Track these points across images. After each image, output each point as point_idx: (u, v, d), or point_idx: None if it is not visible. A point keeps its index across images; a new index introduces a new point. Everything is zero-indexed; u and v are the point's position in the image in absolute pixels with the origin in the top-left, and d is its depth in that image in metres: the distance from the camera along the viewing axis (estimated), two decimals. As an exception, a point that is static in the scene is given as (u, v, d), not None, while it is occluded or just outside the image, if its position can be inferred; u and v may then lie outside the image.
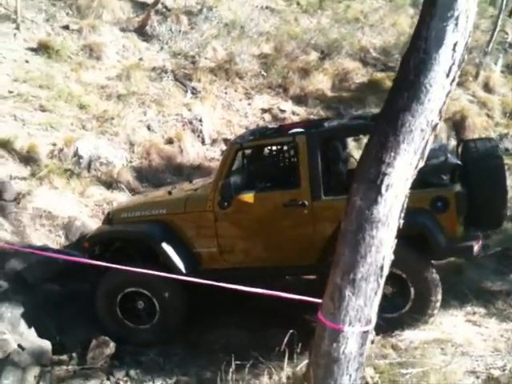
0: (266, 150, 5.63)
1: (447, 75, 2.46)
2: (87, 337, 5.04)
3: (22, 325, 4.92)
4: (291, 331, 3.64)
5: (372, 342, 3.30)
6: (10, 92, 7.67)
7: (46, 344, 4.82)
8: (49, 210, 6.33)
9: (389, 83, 9.80)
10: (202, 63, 9.65)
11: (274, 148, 5.60)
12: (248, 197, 4.91)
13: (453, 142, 8.75)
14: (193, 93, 9.13)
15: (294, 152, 5.21)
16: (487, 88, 10.51)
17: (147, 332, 5.18)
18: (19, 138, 6.99)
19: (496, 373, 4.06)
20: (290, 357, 3.79)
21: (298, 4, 11.98)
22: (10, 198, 6.24)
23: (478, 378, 4.02)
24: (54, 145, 7.24)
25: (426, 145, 2.52)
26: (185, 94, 9.10)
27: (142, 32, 9.94)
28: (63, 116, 7.72)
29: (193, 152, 8.22)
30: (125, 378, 4.73)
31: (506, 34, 11.75)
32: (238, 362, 3.76)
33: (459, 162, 4.80)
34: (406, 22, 11.62)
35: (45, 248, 5.79)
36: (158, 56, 9.67)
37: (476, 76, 10.36)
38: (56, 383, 4.64)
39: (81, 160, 7.22)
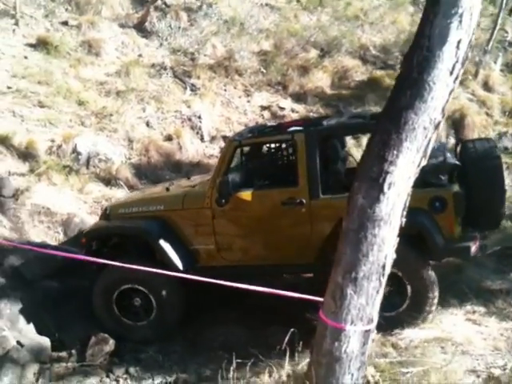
0: (265, 148, 5.62)
1: (451, 73, 2.44)
2: (86, 334, 5.04)
3: (21, 321, 4.92)
4: (292, 330, 3.63)
5: (372, 341, 3.29)
6: (9, 88, 7.65)
7: (45, 341, 4.81)
8: (47, 206, 6.32)
9: (388, 81, 9.80)
10: (201, 60, 9.62)
11: (273, 146, 5.58)
12: (246, 194, 4.91)
13: (452, 141, 8.77)
14: (192, 90, 9.10)
15: (293, 150, 5.20)
16: (487, 87, 10.48)
17: (144, 329, 5.17)
18: (18, 133, 6.98)
19: (496, 372, 4.06)
20: (291, 355, 3.79)
21: (298, 1, 11.92)
22: (9, 194, 6.22)
23: (478, 377, 4.02)
24: (53, 141, 7.23)
25: (428, 143, 2.51)
26: (184, 91, 9.07)
27: (141, 28, 9.90)
28: (62, 112, 7.70)
29: (192, 149, 8.20)
30: (124, 376, 4.73)
31: (506, 32, 11.72)
32: (239, 361, 3.75)
33: (458, 162, 4.79)
34: (406, 19, 11.57)
35: (43, 244, 5.77)
36: (157, 52, 9.64)
37: (475, 74, 10.33)
38: (55, 380, 4.64)
39: (79, 156, 7.20)
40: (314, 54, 10.40)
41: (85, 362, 4.81)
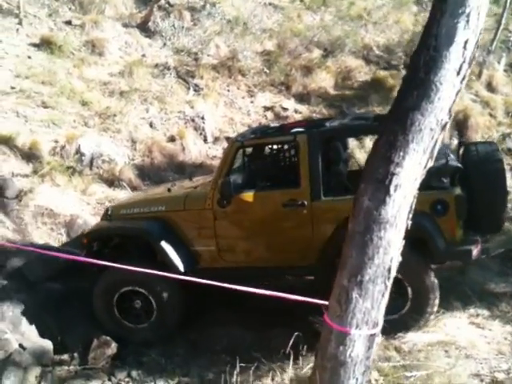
0: (267, 149, 5.60)
1: (458, 73, 2.41)
2: (89, 336, 5.02)
3: (24, 324, 4.90)
4: (296, 333, 3.60)
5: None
6: (13, 88, 7.64)
7: (48, 344, 4.79)
8: (51, 207, 6.31)
9: (392, 81, 9.79)
10: (204, 60, 9.60)
11: (275, 147, 5.56)
12: (247, 195, 4.89)
13: (455, 142, 8.72)
14: (195, 90, 9.09)
15: (295, 151, 5.19)
16: (490, 87, 10.43)
17: (145, 331, 5.15)
18: (21, 134, 6.97)
19: (500, 376, 4.05)
20: (293, 359, 3.76)
21: (302, 1, 11.90)
22: (12, 195, 6.22)
23: (482, 381, 4.00)
24: (56, 142, 7.22)
25: (435, 144, 2.48)
26: (187, 91, 9.05)
27: (144, 28, 9.89)
28: (65, 113, 7.69)
29: (195, 150, 8.18)
30: (126, 379, 4.71)
31: (510, 32, 11.67)
32: (243, 365, 3.72)
33: (460, 165, 4.76)
34: (409, 19, 11.54)
35: (46, 246, 5.76)
36: (160, 52, 9.63)
37: (479, 75, 10.29)
38: (57, 383, 4.60)
39: (83, 157, 7.19)
40: (317, 53, 10.38)
41: (87, 365, 4.79)
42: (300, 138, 4.83)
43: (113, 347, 4.94)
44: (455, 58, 2.39)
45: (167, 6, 10.50)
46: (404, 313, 4.61)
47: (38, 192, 6.42)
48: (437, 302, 4.68)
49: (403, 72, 9.81)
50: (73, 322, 5.17)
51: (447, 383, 3.75)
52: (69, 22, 9.40)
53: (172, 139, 8.15)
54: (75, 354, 4.90)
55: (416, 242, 4.40)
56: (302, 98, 9.59)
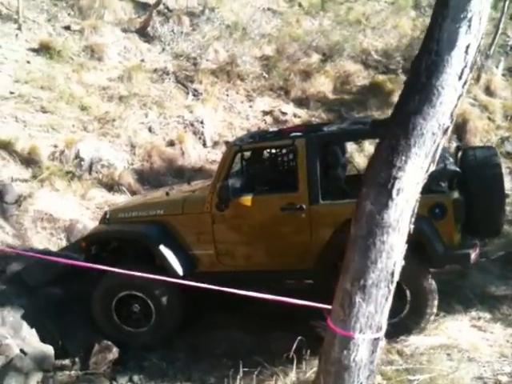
0: (265, 153, 5.60)
1: (459, 78, 2.41)
2: (90, 341, 5.00)
3: (25, 329, 4.88)
4: (300, 338, 3.59)
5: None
6: (12, 93, 7.65)
7: (49, 349, 4.78)
8: (50, 212, 6.31)
9: (390, 86, 9.82)
10: (203, 65, 9.62)
11: (273, 151, 5.57)
12: (246, 199, 4.88)
13: (454, 145, 8.74)
14: (194, 95, 9.10)
15: (293, 155, 5.18)
16: (489, 91, 10.47)
17: (144, 335, 5.12)
18: (20, 139, 6.98)
19: (503, 379, 4.05)
20: (294, 363, 3.76)
21: (300, 6, 11.95)
22: (12, 200, 6.22)
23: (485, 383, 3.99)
24: (56, 146, 7.23)
25: (437, 148, 2.48)
26: (186, 96, 9.07)
27: (143, 33, 9.92)
28: (64, 117, 7.70)
29: (194, 154, 8.19)
30: (128, 384, 4.70)
31: (508, 37, 11.73)
32: (246, 369, 3.71)
33: (458, 169, 4.76)
34: (407, 24, 11.59)
35: (46, 251, 5.75)
36: (159, 57, 9.64)
37: (477, 79, 10.32)
38: (58, 389, 4.60)
39: (82, 162, 7.19)
40: (316, 58, 10.41)
41: (88, 370, 4.77)
42: (298, 142, 4.84)
43: (114, 352, 4.92)
44: (457, 63, 2.39)
45: (166, 11, 10.53)
46: (404, 316, 4.61)
47: (37, 197, 6.42)
48: (436, 303, 4.68)
49: (402, 76, 9.87)
50: (73, 327, 5.16)
51: (451, 386, 3.75)
52: (68, 27, 9.42)
53: (171, 144, 8.16)
54: (76, 359, 4.88)
55: (414, 245, 4.41)
56: (300, 102, 9.61)
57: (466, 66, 2.41)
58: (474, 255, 4.60)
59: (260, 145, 5.28)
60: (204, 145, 8.47)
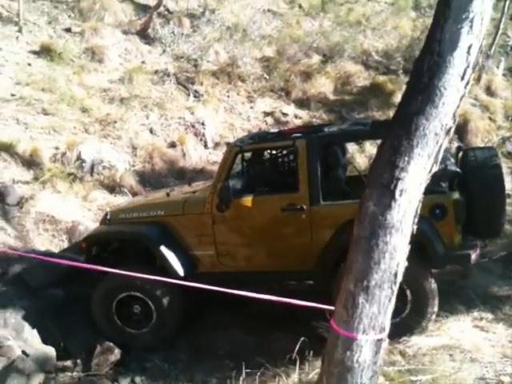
0: (266, 154, 5.61)
1: (462, 78, 2.42)
2: (92, 343, 5.00)
3: (26, 331, 4.87)
4: (302, 339, 3.59)
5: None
6: (13, 95, 7.66)
7: (51, 350, 4.77)
8: (52, 214, 6.31)
9: (391, 86, 9.84)
10: (204, 66, 9.63)
11: (274, 152, 5.57)
12: (246, 200, 4.89)
13: (455, 146, 8.75)
14: (195, 96, 9.11)
15: (294, 156, 5.19)
16: (489, 91, 10.49)
17: (145, 336, 5.11)
18: (22, 141, 6.99)
19: (506, 379, 4.04)
20: (296, 363, 3.75)
21: (300, 7, 11.97)
22: (13, 202, 6.22)
23: (487, 384, 3.99)
24: (57, 148, 7.23)
25: (439, 149, 2.48)
26: (187, 98, 9.08)
27: (144, 35, 9.93)
28: (66, 119, 7.70)
29: (195, 156, 8.20)
30: (130, 385, 4.70)
31: (508, 37, 11.75)
32: (248, 370, 3.71)
33: (458, 170, 4.77)
34: (407, 25, 11.61)
35: (48, 253, 5.75)
36: (160, 59, 9.65)
37: (478, 79, 10.33)
38: (60, 390, 4.60)
39: (83, 164, 7.20)
40: (316, 59, 10.42)
41: (90, 371, 4.76)
42: (299, 142, 4.84)
43: (116, 353, 4.91)
44: (459, 63, 2.39)
45: (166, 13, 10.54)
46: (405, 316, 4.60)
47: (39, 199, 6.42)
48: (436, 303, 4.67)
49: (402, 77, 9.89)
50: (75, 328, 5.16)
51: (453, 387, 3.74)
52: (68, 30, 9.43)
53: (172, 145, 8.17)
54: (78, 361, 4.88)
55: (415, 246, 4.42)
56: (301, 103, 9.62)
57: (468, 67, 2.42)
58: (474, 256, 4.60)
59: (261, 146, 5.29)
60: (205, 146, 8.48)
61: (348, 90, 10.09)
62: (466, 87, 2.46)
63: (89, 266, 4.44)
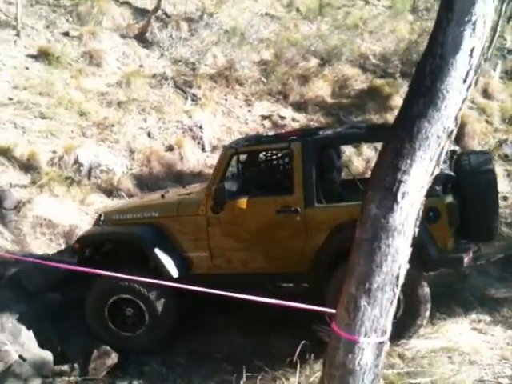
0: (261, 156, 5.62)
1: (464, 81, 2.43)
2: (89, 347, 4.99)
3: (23, 335, 4.86)
4: (303, 342, 3.59)
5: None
6: (10, 99, 7.64)
7: (48, 355, 4.77)
8: (49, 218, 6.29)
9: (388, 90, 9.86)
10: (202, 70, 9.63)
11: (269, 154, 5.58)
12: (241, 202, 4.89)
13: (451, 148, 8.77)
14: (193, 100, 9.11)
15: (289, 159, 5.20)
16: (486, 94, 10.52)
17: (141, 338, 5.08)
18: (19, 145, 6.96)
19: (505, 382, 4.05)
20: (295, 366, 3.74)
21: (298, 10, 12.00)
22: (11, 206, 6.20)
23: (486, 386, 3.99)
24: (55, 152, 7.21)
25: (441, 152, 2.49)
26: (185, 101, 9.08)
27: (142, 39, 9.92)
28: (63, 123, 7.68)
29: (193, 159, 8.19)
30: (127, 389, 4.68)
31: (505, 39, 11.80)
32: (249, 374, 3.70)
33: (452, 174, 4.79)
34: (405, 28, 11.66)
35: (45, 257, 5.73)
36: (158, 63, 9.65)
37: (475, 82, 10.31)
38: (58, 395, 4.58)
39: (81, 167, 7.18)
40: (314, 62, 10.43)
41: (87, 375, 4.75)
42: (294, 145, 4.85)
43: (113, 357, 4.91)
44: (461, 66, 2.40)
45: (164, 16, 10.54)
46: (398, 318, 4.59)
47: (36, 203, 6.40)
48: (429, 305, 4.66)
49: (400, 80, 9.92)
50: (72, 333, 5.14)
51: (452, 390, 3.75)
52: (66, 34, 9.41)
53: (170, 148, 8.15)
54: (75, 365, 4.86)
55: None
56: (299, 106, 9.63)
57: (470, 69, 2.42)
58: (467, 259, 4.63)
59: (256, 148, 5.32)
60: (203, 149, 8.47)
61: (346, 93, 10.10)
62: (468, 90, 2.47)
63: (86, 269, 4.42)
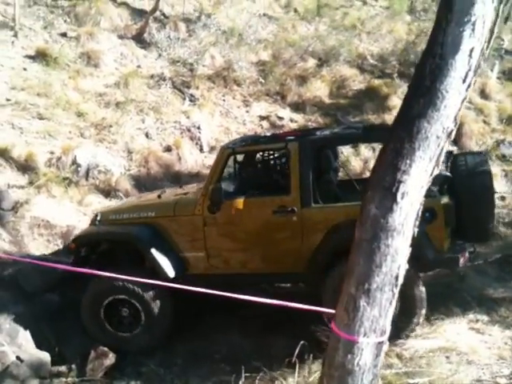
0: (258, 156, 5.62)
1: (463, 81, 2.42)
2: (86, 347, 4.97)
3: (21, 336, 4.85)
4: (302, 342, 3.59)
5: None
6: (8, 100, 7.64)
7: (45, 356, 4.75)
8: (47, 218, 6.28)
9: (386, 90, 9.88)
10: (200, 70, 9.64)
11: (266, 154, 5.58)
12: (238, 202, 4.89)
13: (449, 148, 8.79)
14: (191, 100, 9.11)
15: (286, 159, 5.20)
16: (484, 94, 10.54)
17: (138, 338, 5.07)
18: (17, 146, 6.97)
19: (502, 381, 4.06)
20: (293, 366, 3.75)
21: (296, 11, 12.02)
22: (8, 206, 6.19)
23: (484, 386, 4.00)
24: (52, 153, 7.21)
25: (441, 152, 2.48)
26: (183, 102, 9.08)
27: (140, 39, 9.93)
28: (61, 124, 7.68)
29: (191, 159, 8.19)
30: (125, 390, 4.67)
31: (502, 40, 11.81)
32: (247, 374, 3.70)
33: (449, 174, 4.81)
34: (402, 28, 11.68)
35: (43, 257, 5.72)
36: (156, 63, 9.65)
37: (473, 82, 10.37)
38: (55, 396, 4.57)
39: (79, 168, 7.17)
40: (312, 63, 10.45)
41: (85, 376, 4.74)
42: (291, 145, 4.86)
43: (111, 358, 4.89)
44: (461, 66, 2.40)
45: (162, 17, 10.55)
46: (395, 316, 4.60)
47: (34, 203, 6.39)
48: (425, 305, 4.67)
49: (397, 81, 9.94)
50: (70, 333, 5.13)
51: (450, 389, 3.75)
52: (64, 34, 9.41)
53: (168, 149, 8.15)
54: (73, 366, 4.85)
55: None
56: (297, 107, 9.64)
57: (470, 70, 2.42)
58: (462, 259, 4.65)
59: (253, 148, 5.32)
60: (201, 150, 8.47)
61: (343, 93, 10.12)
62: (467, 90, 2.47)
63: (84, 270, 4.42)
